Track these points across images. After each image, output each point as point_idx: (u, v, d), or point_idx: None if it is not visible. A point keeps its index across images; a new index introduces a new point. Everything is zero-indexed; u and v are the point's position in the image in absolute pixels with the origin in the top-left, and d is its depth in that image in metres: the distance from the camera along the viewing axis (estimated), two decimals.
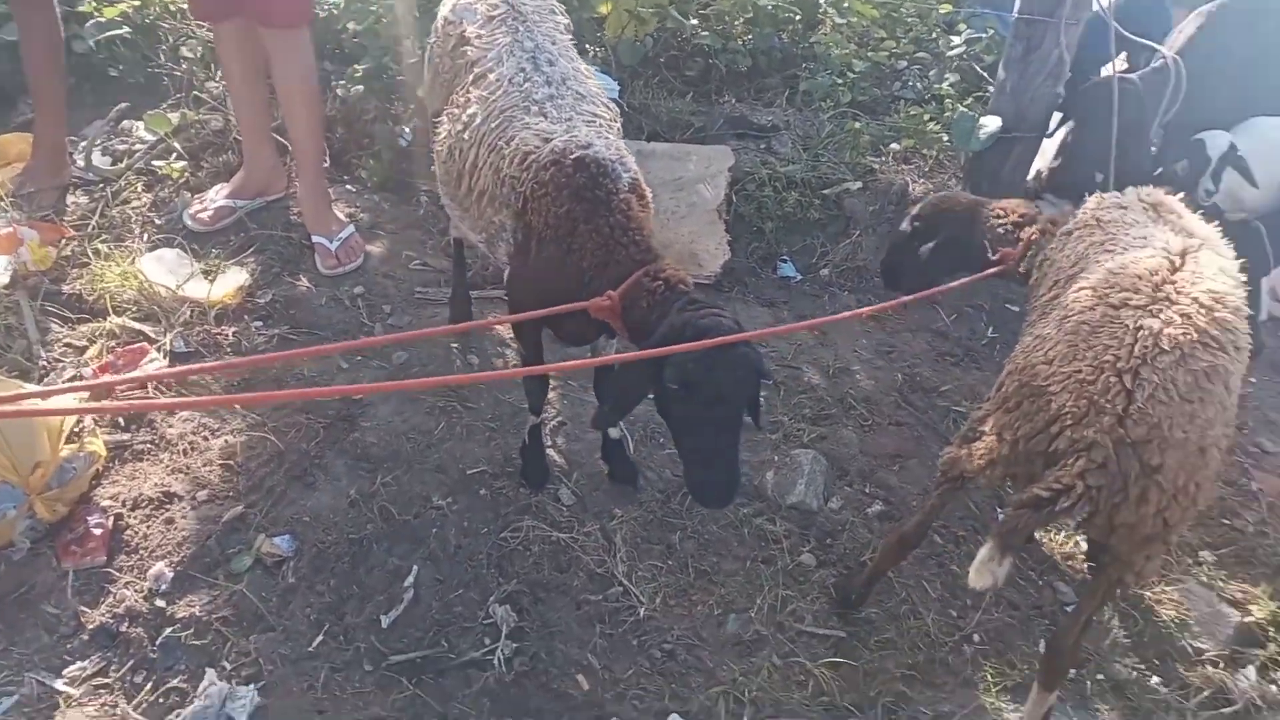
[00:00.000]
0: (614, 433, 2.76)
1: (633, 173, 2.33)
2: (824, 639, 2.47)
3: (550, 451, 2.88)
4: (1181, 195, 3.47)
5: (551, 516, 2.67)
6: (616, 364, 2.10)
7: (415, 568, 2.50)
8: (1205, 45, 3.66)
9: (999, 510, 2.83)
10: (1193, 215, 2.24)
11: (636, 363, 2.03)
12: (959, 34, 4.85)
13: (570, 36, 2.76)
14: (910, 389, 3.24)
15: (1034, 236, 2.47)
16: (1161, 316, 1.80)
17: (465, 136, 2.49)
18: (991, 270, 2.61)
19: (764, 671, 2.37)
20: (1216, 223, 3.20)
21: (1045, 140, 3.84)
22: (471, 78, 2.57)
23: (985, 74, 4.55)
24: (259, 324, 3.17)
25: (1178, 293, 1.85)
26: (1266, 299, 3.64)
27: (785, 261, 3.76)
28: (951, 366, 3.37)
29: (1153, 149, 3.90)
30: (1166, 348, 1.77)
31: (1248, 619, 2.57)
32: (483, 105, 2.47)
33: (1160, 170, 3.71)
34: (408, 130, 4.12)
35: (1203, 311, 1.82)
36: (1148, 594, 2.60)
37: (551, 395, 3.04)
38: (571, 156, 2.25)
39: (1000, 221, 2.69)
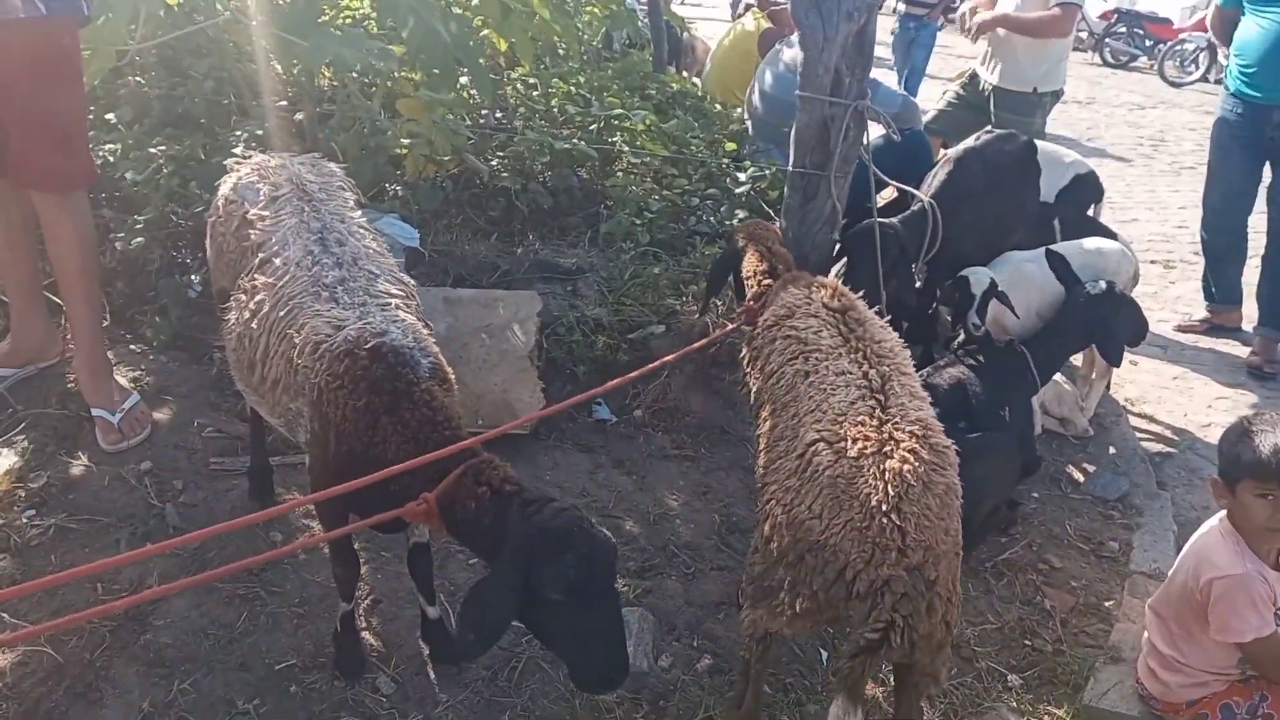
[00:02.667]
0: (433, 611, 2.65)
1: (432, 357, 2.30)
2: None
3: (365, 634, 2.73)
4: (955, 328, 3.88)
5: (370, 710, 2.52)
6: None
7: None
8: (954, 188, 4.07)
9: (822, 650, 2.91)
10: (873, 319, 2.59)
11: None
12: (745, 170, 5.16)
13: (360, 212, 2.73)
14: (728, 530, 3.32)
15: (765, 292, 2.86)
16: (896, 456, 2.08)
17: (254, 325, 2.39)
18: (731, 328, 3.05)
19: None
20: (979, 349, 3.64)
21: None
22: (258, 261, 2.48)
23: (771, 210, 4.85)
24: (31, 513, 2.87)
25: (895, 430, 2.15)
26: (1039, 415, 4.01)
27: (599, 404, 3.80)
28: None
29: (918, 284, 4.27)
30: (912, 482, 2.04)
31: None
32: (270, 291, 2.39)
33: (934, 306, 4.07)
34: (196, 281, 3.92)
35: (921, 443, 2.13)
36: None
37: (363, 570, 2.90)
38: (367, 346, 2.19)
39: (750, 270, 3.03)
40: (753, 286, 3.02)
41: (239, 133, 4.37)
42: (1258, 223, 5.31)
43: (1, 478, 2.92)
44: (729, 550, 3.24)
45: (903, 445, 2.10)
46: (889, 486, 2.02)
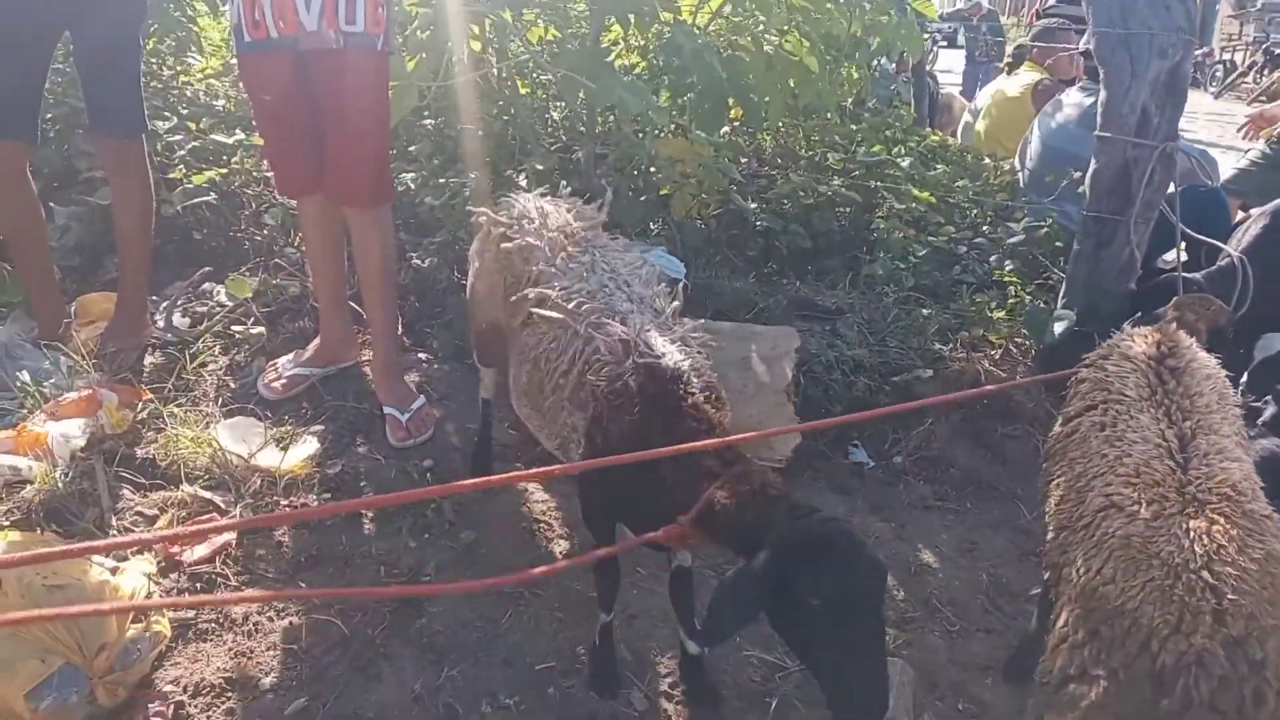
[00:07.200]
0: (692, 647, 2.62)
1: (707, 378, 2.33)
2: None
3: (620, 646, 2.75)
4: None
5: None
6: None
7: None
8: (1269, 245, 3.70)
9: None
10: (1195, 369, 2.23)
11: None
12: (1017, 221, 4.94)
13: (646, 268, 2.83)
14: (997, 592, 3.10)
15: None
16: (1202, 517, 1.82)
17: (551, 346, 2.50)
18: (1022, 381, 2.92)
19: None
20: None
21: None
22: (553, 294, 2.57)
23: (1046, 261, 4.60)
24: (327, 496, 3.12)
25: (1199, 492, 1.88)
26: None
27: (856, 446, 3.69)
28: (1036, 568, 3.23)
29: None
30: (1224, 541, 1.76)
31: None
32: (568, 319, 2.48)
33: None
34: None
35: (1231, 504, 1.85)
36: None
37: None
38: (644, 362, 2.27)
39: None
40: None
41: (521, 169, 4.65)
42: None
43: (304, 463, 3.18)
44: (997, 613, 3.03)
45: (1209, 507, 1.85)
46: (1195, 545, 1.77)
